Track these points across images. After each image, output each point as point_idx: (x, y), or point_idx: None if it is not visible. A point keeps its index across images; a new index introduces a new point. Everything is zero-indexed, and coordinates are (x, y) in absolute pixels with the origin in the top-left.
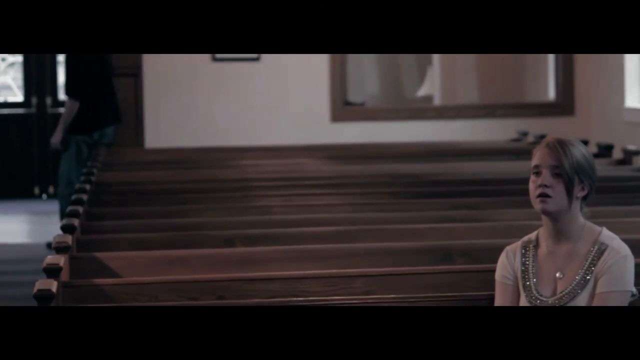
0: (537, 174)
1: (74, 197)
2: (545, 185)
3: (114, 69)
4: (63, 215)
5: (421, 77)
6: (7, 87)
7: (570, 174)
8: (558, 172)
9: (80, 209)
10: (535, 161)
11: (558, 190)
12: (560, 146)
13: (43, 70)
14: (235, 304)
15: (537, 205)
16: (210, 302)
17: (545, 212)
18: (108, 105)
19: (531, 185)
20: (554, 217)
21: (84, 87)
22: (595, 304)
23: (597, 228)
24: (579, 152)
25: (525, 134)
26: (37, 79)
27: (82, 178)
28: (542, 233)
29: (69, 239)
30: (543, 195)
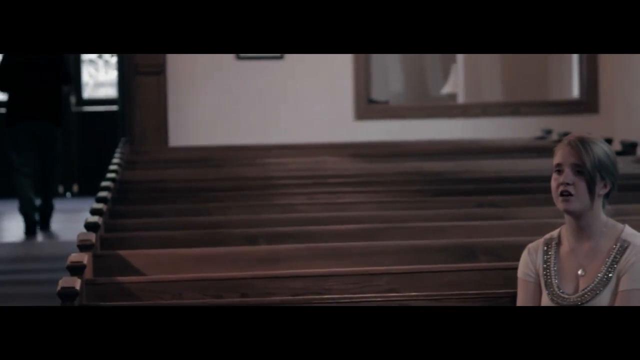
0: (559, 172)
1: (98, 194)
2: (567, 184)
3: (138, 67)
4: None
5: (445, 75)
6: None
7: (592, 172)
8: (580, 170)
9: (104, 207)
10: (557, 159)
11: (580, 189)
12: (581, 144)
13: (67, 68)
14: (258, 302)
15: (559, 204)
16: (234, 299)
17: (568, 211)
18: (33, 102)
19: (553, 184)
20: (577, 216)
21: (7, 79)
22: (617, 302)
23: (620, 225)
24: (601, 149)
25: (549, 131)
26: None
27: (106, 176)
28: (564, 231)
29: (92, 237)
30: (565, 194)
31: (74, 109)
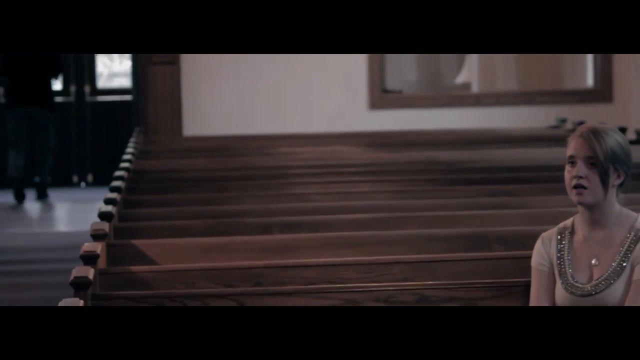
0: (572, 164)
1: (112, 184)
2: (581, 177)
3: (152, 57)
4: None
5: (459, 65)
6: None
7: (605, 164)
8: (593, 162)
9: (118, 196)
10: (569, 151)
11: (593, 181)
12: (594, 135)
13: (81, 58)
14: (272, 291)
15: (573, 197)
16: (247, 289)
17: (582, 204)
18: (31, 89)
19: (566, 176)
20: (591, 207)
21: (7, 66)
22: (631, 291)
23: (634, 214)
24: (614, 140)
25: (563, 120)
26: (75, 68)
27: (120, 165)
28: (578, 220)
29: (106, 226)
30: (579, 187)
31: (88, 99)
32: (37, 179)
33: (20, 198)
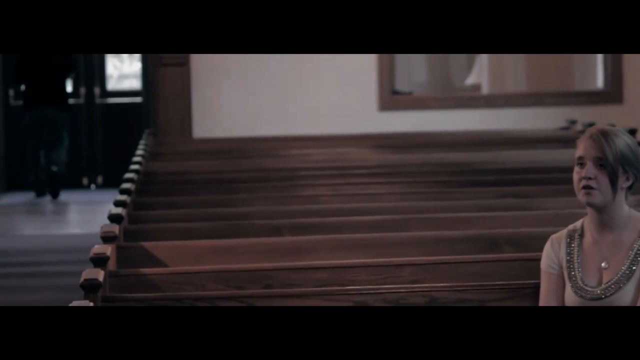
0: (581, 165)
1: (121, 186)
2: (589, 178)
3: (162, 59)
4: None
5: (469, 66)
6: None
7: (614, 166)
8: (602, 163)
9: (128, 198)
10: (578, 152)
11: (602, 182)
12: (603, 137)
13: (91, 60)
14: (281, 293)
15: (581, 197)
16: (257, 291)
17: (590, 205)
18: (46, 92)
19: (575, 177)
20: (599, 209)
21: (22, 74)
22: None
23: None
24: (623, 142)
25: (573, 122)
26: (85, 70)
27: (130, 167)
28: (587, 222)
29: (116, 228)
30: (587, 188)
31: (98, 100)
32: (54, 168)
33: (42, 194)
